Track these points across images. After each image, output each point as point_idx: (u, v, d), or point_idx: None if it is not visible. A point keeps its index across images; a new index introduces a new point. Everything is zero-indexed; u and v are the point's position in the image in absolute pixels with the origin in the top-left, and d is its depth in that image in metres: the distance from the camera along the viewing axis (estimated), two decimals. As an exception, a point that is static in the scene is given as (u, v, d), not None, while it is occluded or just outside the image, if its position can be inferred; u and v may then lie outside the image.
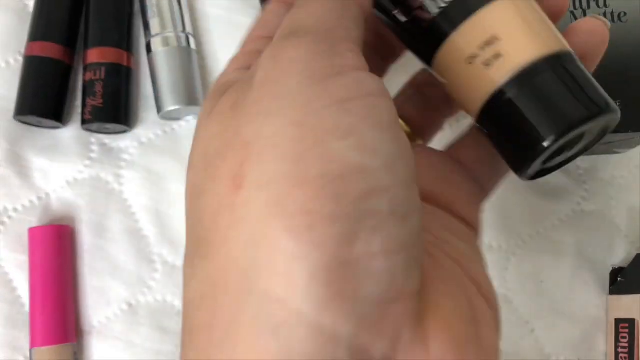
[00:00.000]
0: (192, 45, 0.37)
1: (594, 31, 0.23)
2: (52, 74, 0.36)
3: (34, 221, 0.35)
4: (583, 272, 0.36)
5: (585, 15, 0.32)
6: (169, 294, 0.35)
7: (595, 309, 0.35)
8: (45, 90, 0.35)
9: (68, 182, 0.36)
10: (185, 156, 0.37)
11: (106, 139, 0.37)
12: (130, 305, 0.35)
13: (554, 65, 0.21)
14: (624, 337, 0.34)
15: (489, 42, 0.21)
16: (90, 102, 0.35)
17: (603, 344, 0.35)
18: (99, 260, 0.35)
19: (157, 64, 0.36)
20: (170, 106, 0.35)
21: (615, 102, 0.29)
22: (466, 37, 0.21)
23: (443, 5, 0.22)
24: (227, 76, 0.21)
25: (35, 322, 0.33)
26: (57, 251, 0.34)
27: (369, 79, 0.18)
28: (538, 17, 0.22)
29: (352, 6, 0.21)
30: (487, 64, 0.21)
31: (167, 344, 0.34)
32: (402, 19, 0.23)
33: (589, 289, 0.36)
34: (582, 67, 0.22)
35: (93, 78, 0.35)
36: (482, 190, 0.25)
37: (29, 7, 0.38)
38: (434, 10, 0.22)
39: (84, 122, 0.35)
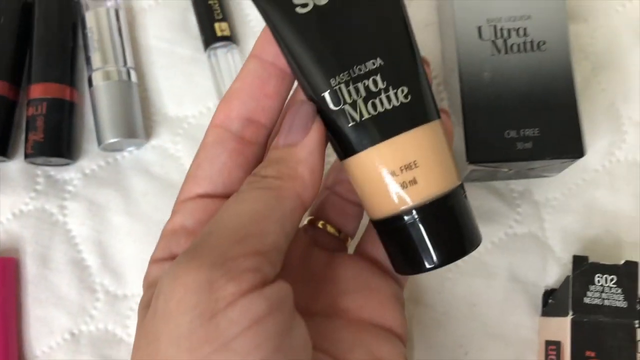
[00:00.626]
0: (133, 78, 0.38)
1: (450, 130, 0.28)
2: (-4, 109, 0.37)
3: (-20, 253, 0.36)
4: (515, 295, 0.37)
5: (506, 44, 0.33)
6: (110, 322, 0.36)
7: (527, 330, 0.36)
8: (-11, 125, 0.36)
9: (14, 214, 0.37)
10: (127, 187, 0.38)
11: (52, 170, 0.38)
12: (72, 334, 0.36)
13: (454, 200, 0.24)
14: (552, 359, 0.34)
15: (409, 166, 0.24)
16: (32, 136, 0.36)
17: (535, 365, 0.36)
18: (43, 291, 0.36)
19: (97, 97, 0.37)
20: (110, 138, 0.36)
21: (534, 131, 0.31)
22: (388, 154, 0.24)
23: (369, 116, 0.24)
24: (151, 275, 0.24)
25: (-22, 352, 0.34)
26: (0, 282, 0.35)
27: (258, 301, 0.20)
28: (449, 149, 0.25)
29: (286, 200, 0.23)
30: (404, 185, 0.24)
31: (108, 371, 0.35)
32: (332, 107, 0.24)
33: (521, 311, 0.36)
34: (467, 200, 0.26)
35: (35, 113, 0.36)
36: (399, 285, 0.29)
37: (-24, 43, 0.39)
38: (362, 116, 0.24)
39: (26, 156, 0.36)
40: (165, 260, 0.25)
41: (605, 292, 0.33)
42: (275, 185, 0.23)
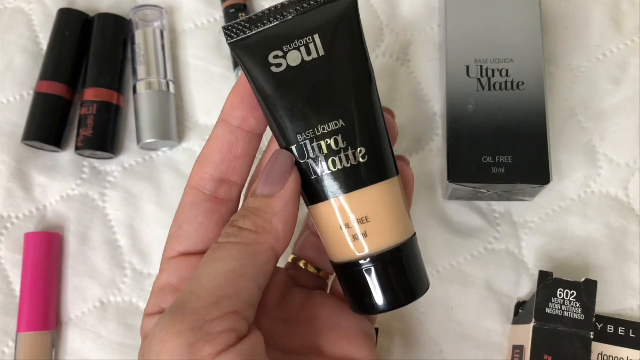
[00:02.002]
0: (172, 90, 0.44)
1: (409, 180, 0.30)
2: (55, 108, 0.43)
3: (31, 228, 0.43)
4: (490, 303, 0.41)
5: (490, 82, 0.38)
6: (135, 296, 0.42)
7: (498, 336, 0.40)
8: (48, 121, 0.43)
9: (62, 197, 0.43)
10: (159, 182, 0.44)
11: (96, 163, 0.44)
12: (102, 303, 0.42)
13: (404, 251, 0.27)
14: (516, 361, 0.39)
15: (361, 220, 0.26)
16: (82, 132, 0.43)
17: (502, 367, 0.40)
18: (81, 264, 0.42)
19: (140, 103, 0.43)
20: (147, 139, 0.43)
21: (508, 158, 0.36)
22: (343, 208, 0.26)
23: (329, 171, 0.26)
24: (144, 328, 0.27)
25: (23, 311, 0.40)
26: (46, 254, 0.41)
27: (233, 358, 0.22)
28: (403, 205, 0.28)
29: (260, 255, 0.25)
30: (356, 238, 0.26)
31: (129, 338, 0.41)
32: (298, 159, 0.26)
33: (494, 318, 0.41)
34: (418, 250, 0.28)
35: (87, 113, 0.43)
36: (370, 319, 0.31)
37: (44, 50, 0.46)
38: (323, 171, 0.26)
39: (77, 148, 0.43)
40: (155, 314, 0.27)
41: (565, 305, 0.37)
42: (250, 239, 0.25)
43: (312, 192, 0.27)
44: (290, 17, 0.26)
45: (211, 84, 0.46)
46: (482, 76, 0.38)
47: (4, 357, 0.40)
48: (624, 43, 0.44)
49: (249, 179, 0.29)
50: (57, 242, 0.42)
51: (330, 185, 0.26)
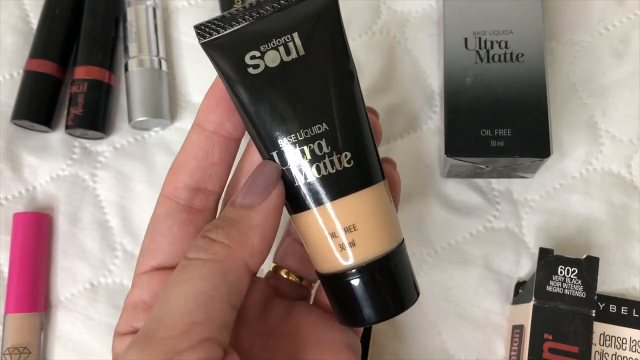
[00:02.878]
0: (164, 67, 0.43)
1: (395, 184, 0.29)
2: (45, 86, 0.42)
3: (20, 208, 0.42)
4: (488, 283, 0.40)
5: (488, 54, 0.37)
6: (126, 277, 0.41)
7: (497, 316, 0.39)
8: (38, 99, 0.42)
9: (52, 178, 0.43)
10: (151, 161, 0.43)
11: (87, 143, 0.43)
12: (92, 285, 0.41)
13: (393, 260, 0.25)
14: (515, 342, 0.38)
15: (348, 229, 0.25)
16: (72, 110, 0.42)
17: (502, 349, 0.39)
18: (70, 245, 0.41)
19: (131, 81, 0.42)
20: (139, 117, 0.42)
21: (507, 131, 0.35)
22: (329, 217, 0.25)
23: (313, 178, 0.25)
24: (115, 349, 0.26)
25: (11, 292, 0.39)
26: (35, 234, 0.40)
27: None
28: (391, 211, 0.26)
29: (232, 273, 0.23)
30: (342, 247, 0.25)
31: (120, 319, 0.40)
32: (280, 166, 0.25)
33: (494, 298, 0.40)
34: (407, 258, 0.27)
35: (77, 91, 0.42)
36: (355, 331, 0.30)
37: (34, 30, 0.45)
38: (307, 177, 0.25)
39: (67, 127, 0.42)
40: (127, 334, 0.26)
41: (566, 282, 0.36)
42: (221, 255, 0.23)
43: (296, 200, 0.25)
44: (267, 14, 0.24)
45: (205, 62, 0.44)
46: (480, 48, 0.37)
47: (-8, 340, 0.40)
48: (626, 17, 0.43)
49: (226, 186, 0.28)
50: (46, 222, 0.41)
51: (315, 193, 0.25)
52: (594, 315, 0.35)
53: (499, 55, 0.37)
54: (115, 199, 0.42)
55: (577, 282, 0.36)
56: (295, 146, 0.24)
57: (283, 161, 0.25)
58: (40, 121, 0.42)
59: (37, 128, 0.43)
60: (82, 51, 0.43)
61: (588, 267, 0.36)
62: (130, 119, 0.42)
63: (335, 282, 0.26)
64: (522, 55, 0.37)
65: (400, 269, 0.26)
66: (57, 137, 0.43)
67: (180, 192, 0.26)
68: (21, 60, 0.44)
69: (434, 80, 0.43)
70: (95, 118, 0.42)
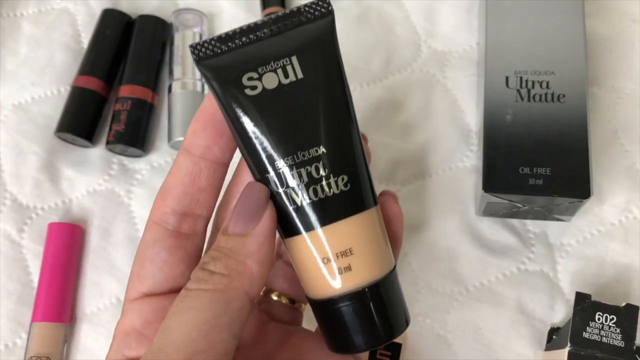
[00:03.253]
0: (206, 91, 0.44)
1: (396, 217, 0.28)
2: (90, 102, 0.44)
3: (55, 219, 0.42)
4: (521, 326, 0.39)
5: (529, 93, 0.37)
6: (152, 295, 0.41)
7: (529, 361, 0.38)
8: (82, 114, 0.43)
9: (88, 192, 0.43)
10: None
11: (125, 160, 0.44)
12: (119, 299, 0.41)
13: (385, 286, 0.25)
14: (548, 389, 0.36)
15: (344, 253, 0.24)
16: (114, 127, 0.43)
17: (533, 396, 0.38)
18: (101, 259, 0.42)
19: (174, 102, 0.43)
20: (179, 136, 0.42)
21: (546, 170, 0.34)
22: (325, 240, 0.24)
23: (309, 201, 0.24)
24: None
25: (39, 300, 0.39)
26: (68, 245, 0.41)
27: None
28: (385, 236, 0.26)
29: (234, 301, 0.23)
30: (338, 272, 0.24)
31: (143, 337, 0.40)
32: (274, 189, 0.24)
33: (525, 342, 0.38)
34: (398, 285, 0.26)
35: (120, 108, 0.43)
36: (355, 357, 0.29)
37: (84, 49, 0.46)
38: (303, 200, 0.24)
39: (107, 142, 0.43)
40: None
41: (604, 329, 0.35)
42: (222, 285, 0.23)
43: (289, 224, 0.25)
44: (264, 37, 0.24)
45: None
46: (521, 87, 0.37)
47: (15, 348, 0.39)
48: (669, 66, 0.43)
49: (215, 209, 0.28)
50: (79, 234, 0.42)
51: (310, 216, 0.24)
52: (632, 366, 0.34)
53: (540, 95, 0.37)
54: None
55: (615, 330, 0.35)
56: (292, 169, 0.24)
57: (280, 183, 0.24)
58: (82, 135, 0.43)
59: (79, 142, 0.44)
60: (129, 71, 0.44)
61: (627, 316, 0.35)
62: (170, 139, 0.43)
63: (326, 308, 0.25)
64: (564, 96, 0.37)
65: (391, 296, 0.25)
66: (97, 152, 0.44)
67: (168, 217, 0.26)
68: (69, 77, 0.46)
69: (472, 119, 0.44)
70: (136, 135, 0.43)
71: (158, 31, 0.46)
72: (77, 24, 0.48)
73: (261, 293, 0.31)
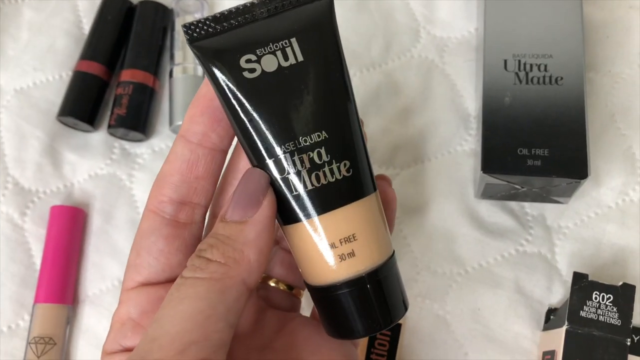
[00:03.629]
0: (207, 75, 0.45)
1: (392, 201, 0.28)
2: (92, 86, 0.44)
3: (57, 203, 0.43)
4: (519, 307, 0.39)
5: (527, 76, 0.38)
6: (154, 277, 0.41)
7: (527, 341, 0.39)
8: (84, 98, 0.44)
9: (90, 176, 0.44)
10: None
11: (126, 144, 0.44)
12: (120, 282, 0.41)
13: (386, 272, 0.25)
14: (546, 368, 0.37)
15: (348, 239, 0.24)
16: (116, 111, 0.43)
17: (531, 375, 0.38)
18: (102, 242, 0.42)
19: (175, 86, 0.44)
20: (180, 121, 0.43)
21: (544, 151, 0.35)
22: (329, 227, 0.24)
23: (312, 187, 0.24)
24: None
25: (42, 282, 0.40)
26: (70, 227, 0.41)
27: None
28: (384, 221, 0.26)
29: (230, 290, 0.22)
30: (342, 258, 0.24)
31: (145, 319, 0.40)
32: (275, 175, 0.24)
33: (523, 322, 0.39)
34: (397, 270, 0.26)
35: (122, 92, 0.43)
36: (353, 342, 0.29)
37: (85, 34, 0.47)
38: (305, 186, 0.24)
39: (109, 126, 0.43)
40: (115, 353, 0.25)
41: (601, 308, 0.35)
42: (219, 274, 0.22)
43: (290, 211, 0.24)
44: (261, 17, 0.23)
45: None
46: (519, 70, 0.38)
47: (18, 330, 0.40)
48: (666, 51, 0.44)
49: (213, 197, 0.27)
50: (81, 217, 0.42)
51: (313, 203, 0.24)
52: (628, 343, 0.34)
53: (538, 78, 0.37)
54: (150, 199, 0.43)
55: (612, 309, 0.35)
56: (294, 154, 0.23)
57: (281, 169, 0.24)
58: (84, 119, 0.43)
59: (81, 127, 0.44)
60: (130, 55, 0.45)
61: (624, 295, 0.35)
62: (171, 123, 0.43)
63: (327, 294, 0.25)
64: (562, 78, 0.37)
65: (391, 281, 0.25)
66: (99, 137, 0.45)
67: (165, 206, 0.25)
68: (71, 62, 0.46)
69: (471, 104, 0.44)
70: (137, 119, 0.43)
71: (159, 17, 0.46)
72: (78, 10, 0.48)
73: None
